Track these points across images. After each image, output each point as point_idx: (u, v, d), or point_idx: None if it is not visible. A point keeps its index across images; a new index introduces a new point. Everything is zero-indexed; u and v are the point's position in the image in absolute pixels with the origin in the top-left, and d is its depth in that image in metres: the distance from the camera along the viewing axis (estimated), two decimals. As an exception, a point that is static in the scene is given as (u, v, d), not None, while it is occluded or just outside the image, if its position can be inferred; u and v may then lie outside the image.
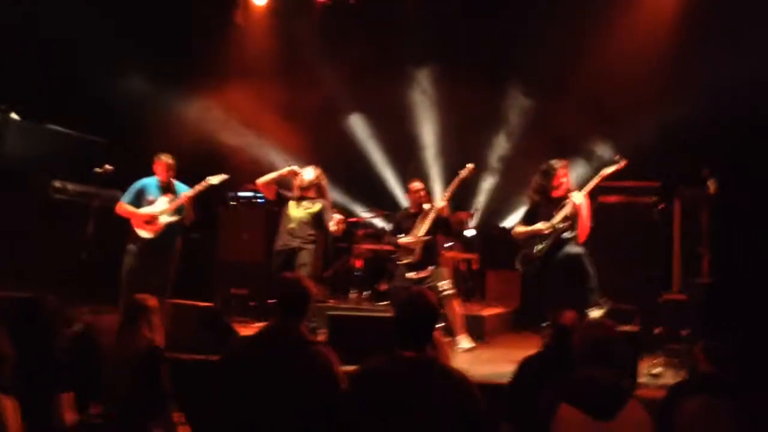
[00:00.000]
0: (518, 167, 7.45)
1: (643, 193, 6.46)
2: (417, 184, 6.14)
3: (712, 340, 3.20)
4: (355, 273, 7.35)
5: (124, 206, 5.95)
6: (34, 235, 6.54)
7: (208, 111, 8.49)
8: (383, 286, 7.18)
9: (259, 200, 8.02)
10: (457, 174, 5.87)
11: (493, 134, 8.43)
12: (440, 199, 5.96)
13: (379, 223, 8.04)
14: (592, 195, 5.43)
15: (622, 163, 5.23)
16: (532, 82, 8.09)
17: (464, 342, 5.68)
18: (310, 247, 5.68)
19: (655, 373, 4.63)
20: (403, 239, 5.97)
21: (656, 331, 5.42)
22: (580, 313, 4.50)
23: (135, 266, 5.84)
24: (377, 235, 7.84)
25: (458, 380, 2.67)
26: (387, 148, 8.86)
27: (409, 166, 8.38)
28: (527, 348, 5.29)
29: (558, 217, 5.14)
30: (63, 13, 7.21)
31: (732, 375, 3.06)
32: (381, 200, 8.54)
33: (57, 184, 7.01)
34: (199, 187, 5.99)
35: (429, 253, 5.87)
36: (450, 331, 5.59)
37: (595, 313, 4.78)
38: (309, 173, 5.85)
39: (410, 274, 5.84)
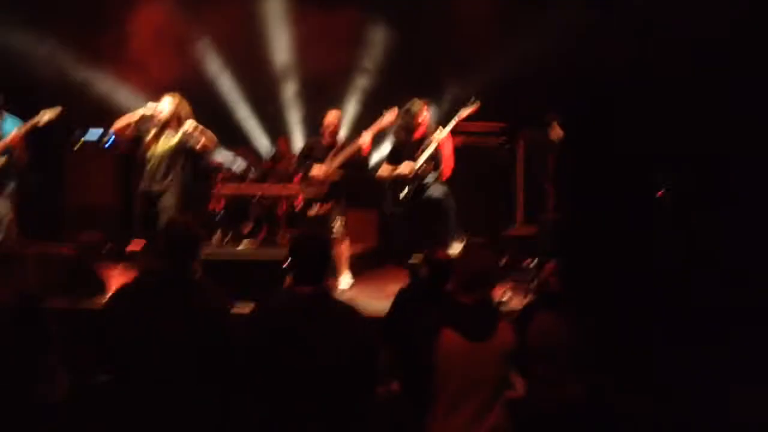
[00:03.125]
0: (377, 103, 7.61)
1: (489, 134, 6.97)
2: (332, 116, 5.93)
3: (562, 263, 3.68)
4: (216, 216, 7.28)
5: None
6: None
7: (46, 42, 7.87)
8: (246, 228, 7.19)
9: (105, 143, 7.64)
10: (381, 114, 5.76)
11: (353, 67, 8.32)
12: (364, 136, 5.76)
13: (240, 164, 7.95)
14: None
15: (477, 105, 5.59)
16: (392, 15, 8.05)
17: (345, 281, 5.86)
18: (173, 188, 5.49)
19: (504, 300, 5.15)
20: (315, 171, 5.83)
21: (502, 261, 5.96)
22: (442, 248, 4.90)
23: None
24: (239, 176, 7.77)
25: (349, 311, 2.89)
26: (242, 81, 8.55)
27: (269, 108, 8.33)
28: (390, 283, 5.70)
29: (421, 159, 5.44)
30: None
31: (575, 293, 3.56)
32: (239, 138, 8.42)
33: None
34: (29, 124, 5.52)
35: (334, 189, 5.79)
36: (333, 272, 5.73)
37: (455, 247, 5.19)
38: (165, 105, 5.50)
39: (312, 209, 5.79)
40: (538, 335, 3.23)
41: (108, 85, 8.12)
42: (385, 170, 5.62)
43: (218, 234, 7.15)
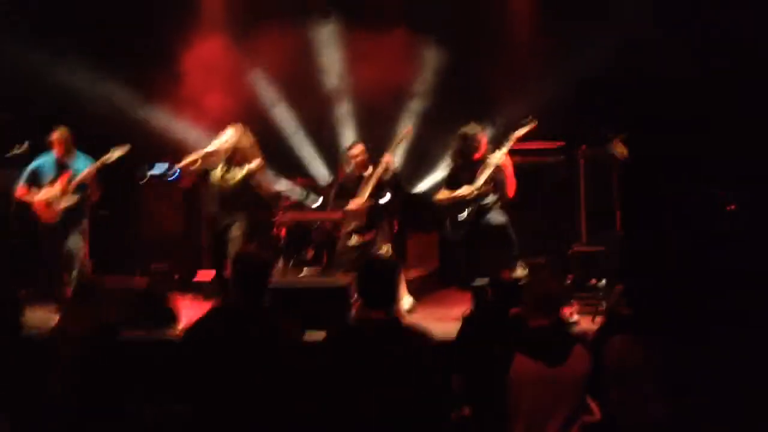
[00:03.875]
0: (433, 127, 7.65)
1: (548, 153, 6.92)
2: (356, 149, 6.13)
3: (631, 284, 3.61)
4: (279, 244, 7.39)
5: (21, 189, 5.71)
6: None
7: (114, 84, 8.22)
8: (308, 255, 7.28)
9: (170, 177, 7.88)
10: (396, 134, 5.97)
11: (407, 93, 8.36)
12: (385, 155, 5.93)
13: (298, 191, 8.07)
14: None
15: (534, 123, 5.56)
16: (444, 38, 8.08)
17: (406, 300, 5.88)
18: (241, 218, 5.64)
19: (571, 321, 5.05)
20: (349, 205, 5.99)
21: (567, 281, 5.87)
22: (507, 270, 4.87)
23: (45, 250, 5.66)
24: (298, 204, 7.88)
25: (421, 336, 2.89)
26: (297, 110, 8.68)
27: (324, 135, 8.46)
28: (453, 306, 5.69)
29: (480, 180, 5.43)
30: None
31: (646, 314, 3.47)
32: (298, 168, 8.57)
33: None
34: (100, 161, 5.75)
35: (372, 217, 5.91)
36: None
37: (520, 270, 5.13)
38: (228, 136, 5.64)
39: (354, 240, 5.92)
40: (613, 358, 3.16)
41: (168, 121, 8.40)
42: (443, 194, 5.64)
43: (281, 261, 7.25)
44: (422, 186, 8.33)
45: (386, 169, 5.87)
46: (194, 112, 8.31)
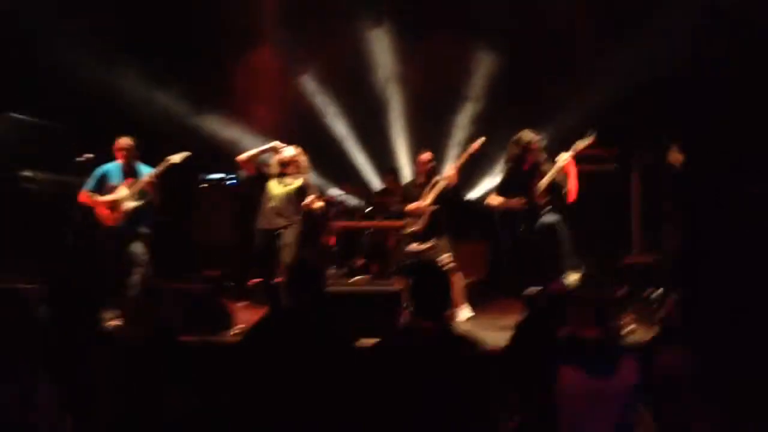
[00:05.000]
0: (484, 129, 7.62)
1: (601, 160, 6.83)
2: (426, 156, 6.19)
3: (685, 295, 3.53)
4: (330, 250, 7.50)
5: (85, 194, 5.86)
6: (7, 225, 6.50)
7: (171, 92, 8.48)
8: (359, 262, 7.37)
9: (228, 181, 8.10)
10: (467, 146, 5.94)
11: (459, 99, 8.45)
12: (448, 169, 6.00)
13: (351, 200, 8.18)
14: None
15: (593, 137, 5.48)
16: (496, 44, 8.14)
17: (464, 312, 5.89)
18: (294, 226, 5.74)
19: (627, 332, 4.97)
20: (410, 206, 6.05)
21: (622, 291, 5.77)
22: (558, 278, 4.84)
23: (106, 255, 5.83)
24: (349, 212, 7.99)
25: (471, 346, 2.91)
26: (347, 117, 8.83)
27: (375, 142, 8.54)
28: (503, 315, 5.66)
29: (537, 189, 5.39)
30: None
31: (700, 327, 3.40)
32: (348, 174, 8.67)
33: (26, 173, 6.96)
34: (160, 168, 5.88)
35: (433, 225, 5.94)
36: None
37: (571, 277, 5.09)
38: (289, 150, 5.87)
39: (413, 246, 5.96)
40: (664, 371, 3.12)
41: (222, 129, 8.62)
42: (495, 200, 5.61)
43: (332, 268, 7.35)
44: (474, 193, 8.34)
45: (449, 182, 5.92)
46: (248, 120, 8.53)
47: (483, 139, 5.92)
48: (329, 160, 8.53)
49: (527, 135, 5.52)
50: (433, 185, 6.03)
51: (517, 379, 3.45)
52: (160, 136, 7.52)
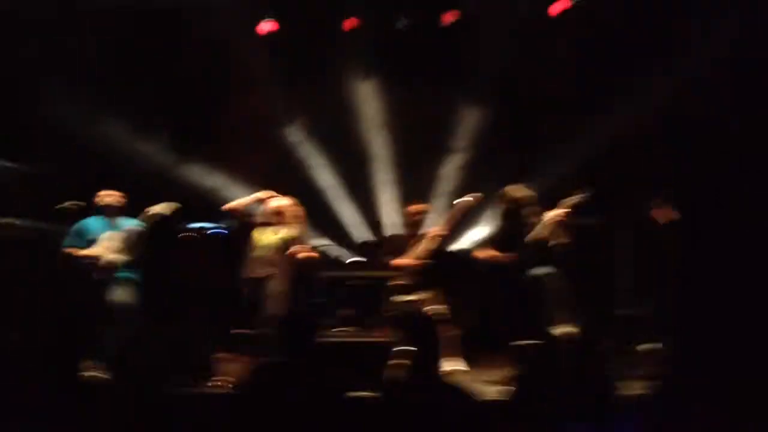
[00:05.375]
0: (473, 185, 7.67)
1: (584, 212, 6.87)
2: (414, 207, 6.17)
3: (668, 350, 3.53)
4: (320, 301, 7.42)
5: (65, 251, 5.72)
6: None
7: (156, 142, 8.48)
8: (345, 312, 7.28)
9: (211, 230, 8.04)
10: (459, 199, 5.92)
11: (446, 150, 8.51)
12: (440, 227, 5.96)
13: (335, 250, 8.17)
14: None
15: (584, 197, 5.50)
16: (483, 96, 8.22)
17: (453, 364, 5.81)
18: (281, 276, 5.70)
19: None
20: (398, 260, 5.98)
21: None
22: (546, 330, 4.82)
23: (88, 305, 5.69)
24: (334, 262, 7.96)
25: (466, 398, 2.87)
26: (337, 171, 8.86)
27: (363, 193, 8.56)
28: (492, 367, 5.59)
29: (527, 243, 5.40)
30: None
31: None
32: (336, 224, 8.66)
33: (4, 220, 6.85)
34: (145, 218, 5.78)
35: (422, 277, 5.89)
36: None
37: (560, 330, 5.07)
38: (276, 201, 5.88)
39: (401, 298, 5.88)
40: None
41: (208, 179, 8.60)
42: (483, 253, 5.62)
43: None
44: (461, 244, 8.33)
45: (439, 236, 5.89)
46: (233, 170, 8.52)
47: (479, 195, 5.91)
48: (314, 210, 8.49)
49: (518, 190, 5.57)
50: (421, 238, 6.01)
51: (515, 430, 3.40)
52: (145, 186, 7.50)
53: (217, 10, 8.21)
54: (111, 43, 8.02)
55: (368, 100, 8.56)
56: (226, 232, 8.14)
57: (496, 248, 5.55)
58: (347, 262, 7.94)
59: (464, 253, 7.76)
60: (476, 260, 5.63)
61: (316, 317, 6.39)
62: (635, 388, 4.75)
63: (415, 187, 8.11)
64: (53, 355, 3.53)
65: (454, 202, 5.97)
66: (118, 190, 5.96)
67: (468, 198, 5.94)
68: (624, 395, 4.40)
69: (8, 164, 7.27)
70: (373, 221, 8.52)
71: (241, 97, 8.67)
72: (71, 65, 7.66)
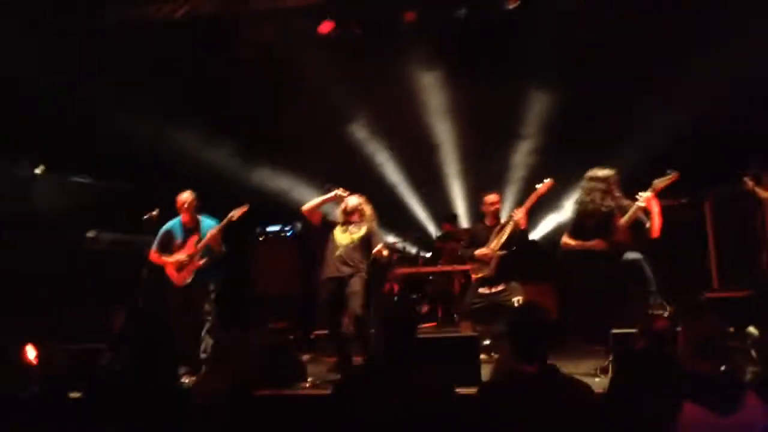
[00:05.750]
0: (545, 172, 7.47)
1: (672, 195, 6.59)
2: (493, 197, 6.07)
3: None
4: (395, 297, 7.40)
5: (154, 253, 5.92)
6: (74, 285, 6.56)
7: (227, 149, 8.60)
8: (424, 308, 7.23)
9: (286, 233, 8.10)
10: (535, 188, 5.80)
11: (512, 139, 8.35)
12: (517, 211, 5.82)
13: (408, 246, 8.11)
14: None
15: (675, 175, 5.25)
16: (550, 81, 7.98)
17: None
18: (361, 274, 5.64)
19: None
20: (479, 251, 5.90)
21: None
22: (645, 316, 4.62)
23: (174, 313, 5.81)
24: (409, 258, 7.90)
25: (581, 388, 2.75)
26: (403, 163, 8.78)
27: (431, 188, 8.47)
28: (580, 359, 5.42)
29: (616, 229, 5.19)
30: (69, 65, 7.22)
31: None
32: (405, 221, 8.59)
33: (90, 234, 7.06)
34: (224, 222, 5.90)
35: (504, 268, 5.81)
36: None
37: (658, 315, 4.85)
38: (353, 199, 5.85)
39: (483, 290, 5.81)
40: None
41: (276, 181, 8.65)
42: (572, 241, 5.41)
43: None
44: (537, 233, 8.16)
45: (518, 225, 5.76)
46: (299, 171, 8.57)
47: (550, 181, 5.78)
48: (383, 207, 8.44)
49: (601, 171, 5.34)
50: (502, 228, 5.89)
51: (624, 423, 3.25)
52: (216, 192, 7.62)
53: (276, 13, 8.28)
54: (176, 57, 8.15)
55: (433, 92, 8.43)
56: (295, 233, 8.18)
57: (582, 234, 5.35)
58: (424, 256, 7.85)
59: (541, 241, 7.57)
60: (564, 248, 5.43)
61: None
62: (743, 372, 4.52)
63: (486, 176, 7.96)
64: (147, 361, 3.58)
65: (536, 187, 5.77)
66: (195, 192, 6.05)
67: (545, 183, 5.77)
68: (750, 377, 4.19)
69: (88, 179, 7.48)
70: (448, 214, 8.40)
71: (304, 98, 8.69)
72: (140, 82, 7.82)
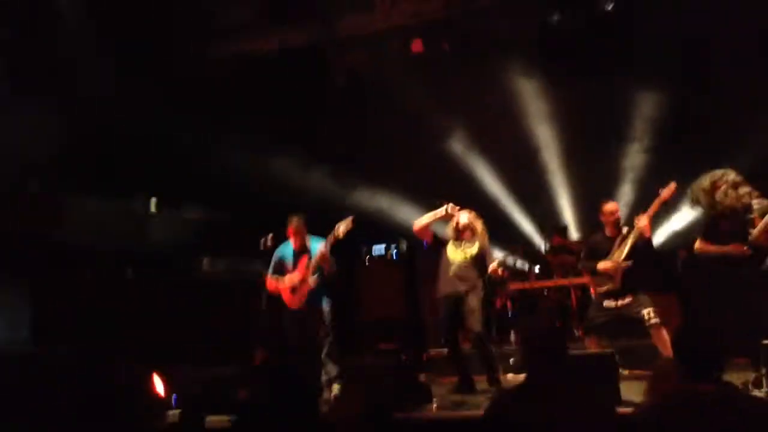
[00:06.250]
0: (659, 175, 7.11)
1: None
2: (612, 205, 5.74)
3: None
4: (510, 314, 7.21)
5: (271, 280, 5.95)
6: (195, 314, 6.72)
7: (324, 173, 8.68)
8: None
9: (392, 254, 8.07)
10: (657, 194, 5.45)
11: (619, 143, 7.99)
12: (640, 219, 5.46)
13: (518, 261, 7.90)
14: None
15: None
16: (660, 82, 7.61)
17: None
18: (477, 291, 5.53)
19: None
20: (602, 264, 5.57)
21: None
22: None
23: (291, 336, 5.84)
24: (520, 273, 7.70)
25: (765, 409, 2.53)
26: (505, 178, 8.59)
27: (538, 203, 8.24)
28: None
29: (756, 231, 4.86)
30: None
31: None
32: (512, 235, 8.38)
33: (205, 263, 7.24)
34: (331, 238, 5.83)
35: (629, 280, 5.47)
36: None
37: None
38: (464, 216, 5.74)
39: (609, 303, 5.50)
40: None
41: (376, 201, 8.63)
42: (708, 246, 5.08)
43: (512, 333, 7.02)
44: (664, 239, 7.70)
45: (642, 234, 5.43)
46: (403, 190, 8.52)
47: (674, 185, 5.42)
48: (488, 221, 8.25)
49: (729, 173, 5.01)
50: (624, 238, 5.58)
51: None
52: (317, 216, 7.67)
53: (364, 38, 8.35)
54: (269, 88, 8.32)
55: (533, 100, 8.21)
56: (400, 253, 8.14)
57: (713, 240, 5.02)
58: (532, 272, 7.63)
59: (664, 249, 7.18)
60: (698, 256, 5.10)
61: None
62: None
63: (594, 184, 7.66)
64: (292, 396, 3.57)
65: (660, 192, 5.46)
66: (303, 216, 6.07)
67: (669, 188, 5.45)
68: None
69: (195, 212, 7.70)
70: (557, 226, 8.14)
71: (399, 116, 8.66)
72: (236, 115, 7.99)
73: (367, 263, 8.03)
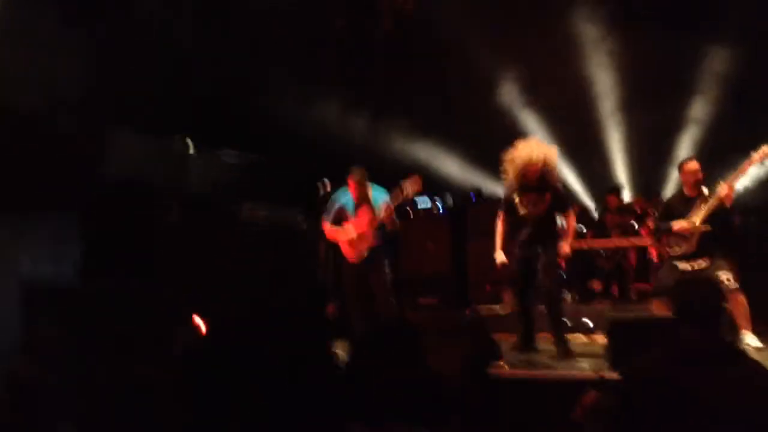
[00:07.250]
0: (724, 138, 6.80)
1: None
2: (693, 164, 5.33)
3: None
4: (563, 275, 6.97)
5: (329, 227, 5.68)
6: (239, 258, 6.48)
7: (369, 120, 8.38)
8: (596, 285, 6.77)
9: (438, 209, 7.82)
10: (749, 156, 5.06)
11: (686, 96, 7.61)
12: (724, 185, 5.11)
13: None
14: None
15: None
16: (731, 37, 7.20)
17: (750, 338, 5.15)
18: (551, 247, 5.18)
19: None
20: (678, 224, 5.27)
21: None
22: None
23: (350, 290, 5.62)
24: (576, 233, 7.44)
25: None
26: (563, 134, 8.22)
27: (594, 161, 7.95)
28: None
29: None
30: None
31: None
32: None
33: (247, 207, 6.98)
34: (398, 197, 5.52)
35: (706, 243, 5.19)
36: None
37: None
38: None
39: (684, 266, 5.21)
40: None
41: (426, 152, 8.34)
42: None
43: (568, 293, 6.79)
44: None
45: (723, 201, 5.10)
46: (449, 143, 8.24)
47: (763, 149, 5.02)
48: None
49: None
50: (704, 199, 5.27)
51: None
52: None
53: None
54: (314, 30, 7.96)
55: (593, 47, 7.75)
56: (446, 208, 7.91)
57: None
58: (590, 231, 7.35)
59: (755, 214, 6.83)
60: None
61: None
62: None
63: (653, 143, 7.35)
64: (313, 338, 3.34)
65: (751, 155, 5.13)
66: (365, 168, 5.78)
67: (761, 151, 5.09)
68: None
69: (239, 154, 7.41)
70: (612, 186, 7.85)
71: (450, 63, 8.30)
72: (288, 57, 7.66)
73: (411, 216, 7.75)
